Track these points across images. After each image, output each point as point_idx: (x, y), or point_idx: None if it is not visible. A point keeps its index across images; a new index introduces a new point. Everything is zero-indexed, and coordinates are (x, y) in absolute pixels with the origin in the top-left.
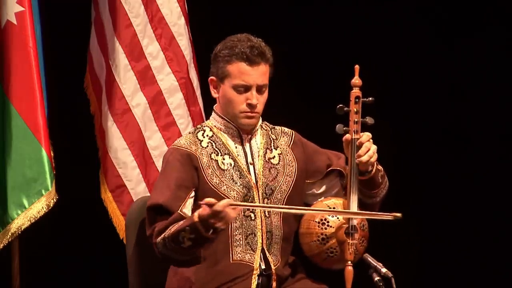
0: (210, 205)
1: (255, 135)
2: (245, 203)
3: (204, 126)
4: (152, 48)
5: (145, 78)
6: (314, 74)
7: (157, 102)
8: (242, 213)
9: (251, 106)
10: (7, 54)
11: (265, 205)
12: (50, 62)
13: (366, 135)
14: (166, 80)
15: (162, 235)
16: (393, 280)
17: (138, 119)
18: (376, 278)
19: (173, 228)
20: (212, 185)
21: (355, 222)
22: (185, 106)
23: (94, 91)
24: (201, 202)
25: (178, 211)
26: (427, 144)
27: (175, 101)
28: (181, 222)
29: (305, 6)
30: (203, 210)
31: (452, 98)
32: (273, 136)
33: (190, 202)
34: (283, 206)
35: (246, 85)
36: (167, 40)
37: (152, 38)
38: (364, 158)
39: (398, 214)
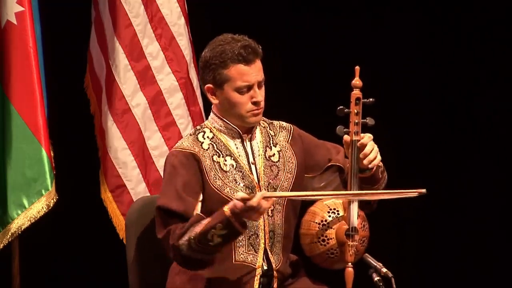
0: (244, 200)
1: (255, 133)
2: (278, 193)
3: (203, 128)
4: (152, 48)
5: (145, 78)
6: (314, 75)
7: (157, 102)
8: None
9: (256, 104)
10: (7, 54)
11: (297, 193)
12: (50, 62)
13: (368, 136)
14: (166, 80)
15: (186, 237)
16: (393, 280)
17: (138, 119)
18: (376, 278)
19: (197, 228)
20: (216, 188)
21: (355, 223)
22: (185, 106)
23: (94, 91)
24: (237, 198)
25: (198, 213)
26: (427, 144)
27: (175, 101)
28: (206, 221)
29: (306, 6)
30: (235, 206)
31: (452, 97)
32: (272, 132)
33: (199, 205)
34: (317, 193)
35: (248, 85)
36: (167, 40)
37: (152, 38)
38: (372, 156)
39: (423, 190)
